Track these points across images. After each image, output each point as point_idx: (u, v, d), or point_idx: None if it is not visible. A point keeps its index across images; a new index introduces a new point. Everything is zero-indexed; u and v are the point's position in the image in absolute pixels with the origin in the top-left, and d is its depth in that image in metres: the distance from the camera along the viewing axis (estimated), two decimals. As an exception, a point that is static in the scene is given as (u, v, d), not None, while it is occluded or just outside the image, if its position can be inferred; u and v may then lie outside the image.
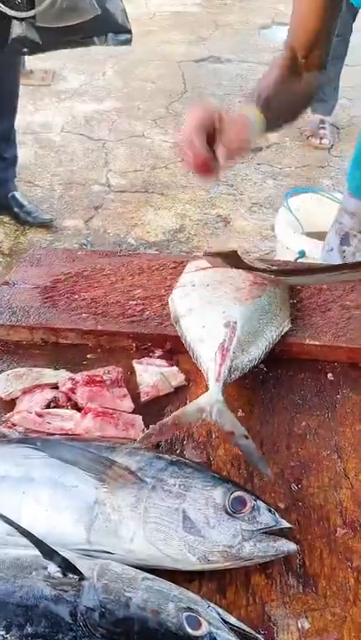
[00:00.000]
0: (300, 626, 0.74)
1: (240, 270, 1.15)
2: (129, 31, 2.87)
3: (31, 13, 2.48)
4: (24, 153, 3.88)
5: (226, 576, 0.78)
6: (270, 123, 1.21)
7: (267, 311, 1.08)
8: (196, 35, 6.08)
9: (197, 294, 1.09)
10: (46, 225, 3.38)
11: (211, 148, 1.11)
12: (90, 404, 0.91)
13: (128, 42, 2.92)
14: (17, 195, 3.39)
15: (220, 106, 1.18)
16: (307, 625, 0.74)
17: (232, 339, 1.00)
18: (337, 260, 1.52)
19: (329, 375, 1.07)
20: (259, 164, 3.98)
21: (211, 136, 1.12)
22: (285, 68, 1.28)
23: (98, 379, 0.97)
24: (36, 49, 2.73)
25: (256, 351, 1.02)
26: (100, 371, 0.99)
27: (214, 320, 1.03)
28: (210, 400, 0.92)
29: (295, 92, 1.29)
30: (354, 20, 3.43)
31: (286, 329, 1.09)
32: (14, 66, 3.10)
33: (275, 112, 1.23)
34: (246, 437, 0.88)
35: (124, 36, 2.87)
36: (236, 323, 1.02)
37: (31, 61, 5.02)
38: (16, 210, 3.36)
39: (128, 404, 0.96)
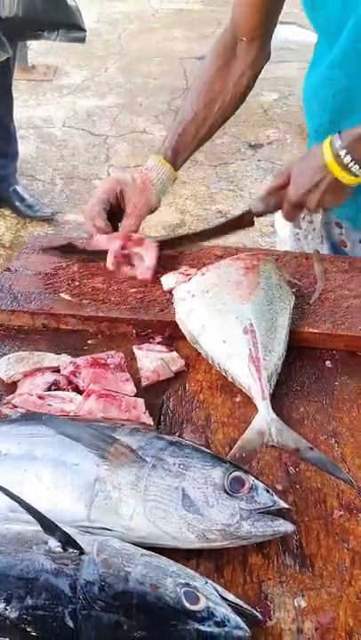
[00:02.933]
0: (296, 604, 0.75)
1: (229, 261, 1.15)
2: (82, 29, 2.90)
3: None
4: (25, 147, 3.89)
5: (223, 555, 0.79)
6: (184, 161, 1.30)
7: (272, 295, 1.09)
8: (199, 32, 6.09)
9: (202, 306, 1.07)
10: (47, 219, 3.38)
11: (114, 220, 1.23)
12: (92, 385, 0.92)
13: (81, 40, 2.95)
14: (18, 188, 3.40)
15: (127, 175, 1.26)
16: (303, 603, 0.75)
17: (256, 344, 1.00)
18: (292, 244, 1.57)
19: (327, 363, 1.08)
20: (259, 161, 3.99)
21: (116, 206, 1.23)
22: (218, 66, 1.30)
23: (102, 361, 0.98)
24: None
25: (280, 345, 1.03)
26: (103, 355, 1.00)
27: (231, 330, 1.02)
28: (265, 420, 0.93)
29: (220, 107, 1.31)
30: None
31: (293, 301, 1.11)
32: (6, 65, 3.09)
33: (190, 150, 1.31)
34: (312, 449, 0.89)
35: (77, 34, 2.89)
36: (252, 324, 1.02)
37: (33, 57, 5.04)
38: (17, 203, 3.37)
39: (130, 387, 0.97)
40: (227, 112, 1.32)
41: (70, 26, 2.85)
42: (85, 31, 2.92)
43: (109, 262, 1.19)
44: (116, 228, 1.24)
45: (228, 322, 1.04)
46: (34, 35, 2.89)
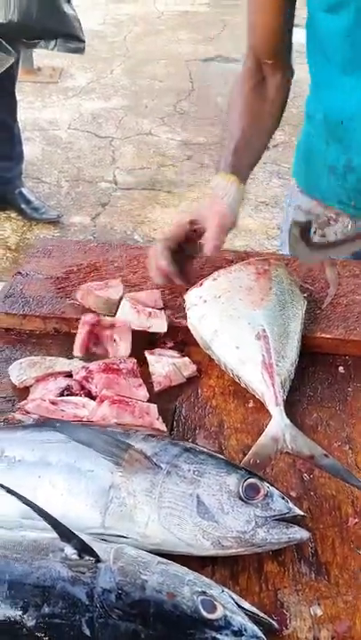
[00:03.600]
0: (312, 613, 0.74)
1: (240, 267, 1.14)
2: (81, 40, 2.89)
3: None
4: (31, 149, 3.89)
5: (238, 563, 0.78)
6: (246, 175, 1.26)
7: (284, 301, 1.08)
8: (204, 34, 6.09)
9: (214, 312, 1.07)
10: (53, 221, 3.38)
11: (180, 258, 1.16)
12: (105, 391, 0.92)
13: (80, 51, 2.93)
14: (24, 191, 3.40)
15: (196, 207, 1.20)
16: (319, 612, 0.74)
17: (269, 350, 1.00)
18: None
19: (340, 368, 1.08)
20: (265, 163, 3.99)
21: (189, 240, 1.17)
22: (250, 86, 1.31)
23: (114, 367, 0.97)
24: None
25: (292, 351, 1.03)
26: (116, 360, 1.00)
27: (244, 336, 1.02)
28: (279, 427, 0.92)
29: (263, 124, 1.32)
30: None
31: (305, 306, 1.10)
32: (9, 67, 3.08)
33: (248, 164, 1.28)
34: (327, 456, 0.88)
35: (74, 44, 2.88)
36: (265, 330, 1.02)
37: (38, 59, 5.05)
38: (23, 206, 3.37)
39: (143, 393, 0.96)
40: (270, 130, 1.35)
41: (68, 36, 2.84)
42: (84, 42, 2.90)
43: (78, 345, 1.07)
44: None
45: (240, 328, 1.03)
46: (30, 43, 2.88)
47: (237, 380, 1.02)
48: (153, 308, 1.11)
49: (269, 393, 0.96)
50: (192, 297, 1.11)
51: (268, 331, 1.02)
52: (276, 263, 1.17)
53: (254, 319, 1.04)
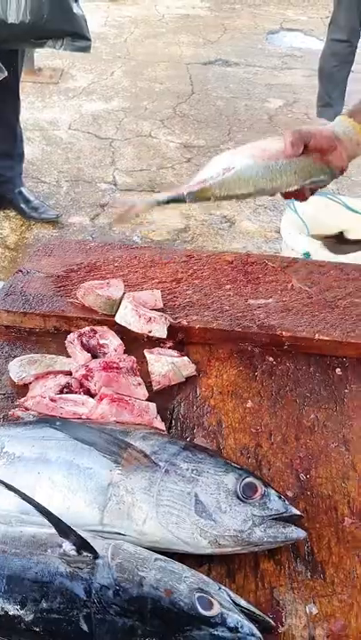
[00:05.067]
0: (308, 611, 0.75)
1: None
2: (88, 39, 2.89)
3: None
4: (31, 149, 3.90)
5: (235, 561, 0.79)
6: None
7: (273, 170, 1.03)
8: (205, 38, 6.11)
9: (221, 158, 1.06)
10: (52, 221, 3.38)
11: None
12: (104, 389, 0.92)
13: (86, 49, 2.94)
14: (24, 190, 3.40)
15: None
16: (315, 610, 0.75)
17: (218, 177, 1.00)
18: None
19: (337, 370, 1.09)
20: (264, 167, 4.00)
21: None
22: None
23: (114, 365, 0.98)
24: None
25: (230, 191, 1.02)
26: (115, 358, 1.01)
27: (217, 167, 1.02)
28: None
29: None
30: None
31: (289, 188, 1.05)
32: (14, 68, 3.09)
33: None
34: None
35: (82, 43, 2.89)
36: (233, 168, 1.01)
37: (39, 59, 5.05)
38: (22, 205, 3.37)
39: (142, 392, 0.97)
40: None
41: (75, 35, 2.85)
42: (90, 40, 2.92)
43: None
44: None
45: (220, 163, 1.03)
46: (38, 43, 2.88)
47: None
48: (153, 307, 1.12)
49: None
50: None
51: (236, 168, 1.01)
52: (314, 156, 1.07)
53: (236, 162, 1.02)
